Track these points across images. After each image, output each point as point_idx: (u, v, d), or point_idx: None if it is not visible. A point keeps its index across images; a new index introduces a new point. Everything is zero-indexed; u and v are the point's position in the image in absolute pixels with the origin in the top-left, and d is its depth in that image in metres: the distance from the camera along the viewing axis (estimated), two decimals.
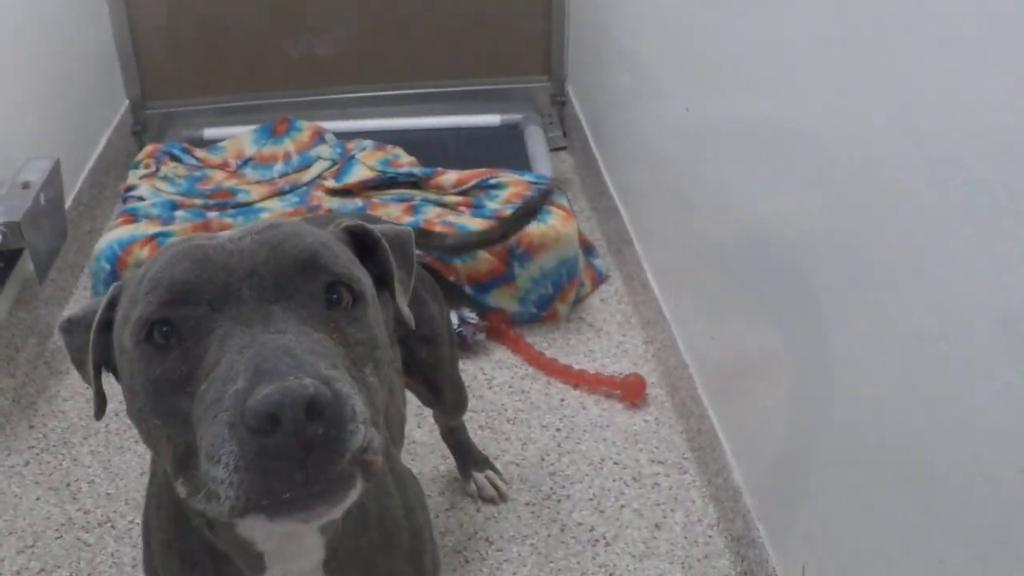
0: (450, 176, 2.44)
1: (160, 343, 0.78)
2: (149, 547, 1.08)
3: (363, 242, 0.94)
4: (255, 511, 0.70)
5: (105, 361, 0.91)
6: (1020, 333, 0.97)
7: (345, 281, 0.81)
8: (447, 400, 1.68)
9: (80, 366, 0.93)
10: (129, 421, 1.98)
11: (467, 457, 1.90)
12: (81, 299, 2.47)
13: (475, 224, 2.25)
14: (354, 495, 0.73)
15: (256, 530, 0.91)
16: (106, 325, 0.88)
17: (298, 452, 0.68)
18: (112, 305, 0.88)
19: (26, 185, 2.08)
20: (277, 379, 0.68)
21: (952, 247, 1.07)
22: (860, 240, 1.29)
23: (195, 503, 0.74)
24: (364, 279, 0.85)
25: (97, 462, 1.99)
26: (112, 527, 1.84)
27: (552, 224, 2.25)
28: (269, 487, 0.69)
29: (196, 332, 0.77)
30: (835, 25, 1.32)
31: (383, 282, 0.95)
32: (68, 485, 1.94)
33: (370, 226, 0.94)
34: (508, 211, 2.30)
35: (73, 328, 0.92)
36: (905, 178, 1.16)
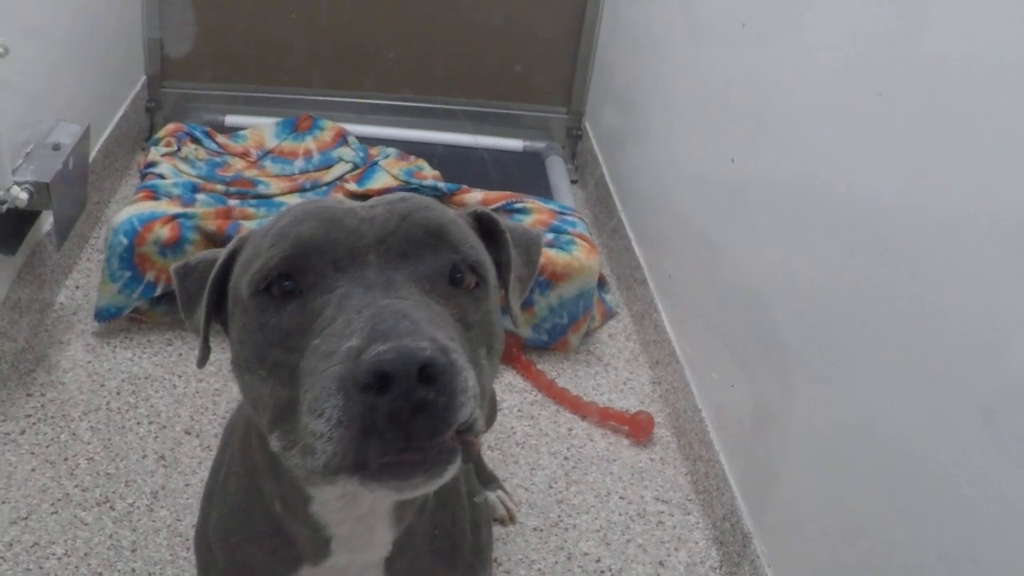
0: (475, 195, 2.43)
1: (278, 295, 0.77)
2: (207, 516, 1.07)
3: (489, 231, 0.93)
4: (349, 472, 0.69)
5: (216, 312, 0.90)
6: None
7: (471, 262, 0.81)
8: (485, 411, 1.67)
9: (190, 312, 0.93)
10: (131, 401, 1.93)
11: (479, 475, 1.89)
12: (84, 270, 2.42)
13: None
14: (451, 472, 0.71)
15: (332, 511, 0.90)
16: (223, 276, 0.88)
17: (406, 415, 0.66)
18: (232, 257, 0.88)
19: (56, 147, 2.04)
20: (395, 339, 0.67)
21: (982, 311, 1.10)
22: (887, 306, 1.35)
23: (289, 457, 0.72)
24: (489, 264, 0.85)
25: (97, 439, 1.94)
26: (111, 508, 1.80)
27: (577, 255, 2.26)
28: (369, 447, 0.67)
29: (316, 288, 0.76)
30: (908, 87, 1.35)
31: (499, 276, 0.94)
32: (66, 460, 1.89)
33: (498, 217, 0.94)
34: None
35: (189, 273, 0.93)
36: (935, 248, 1.20)
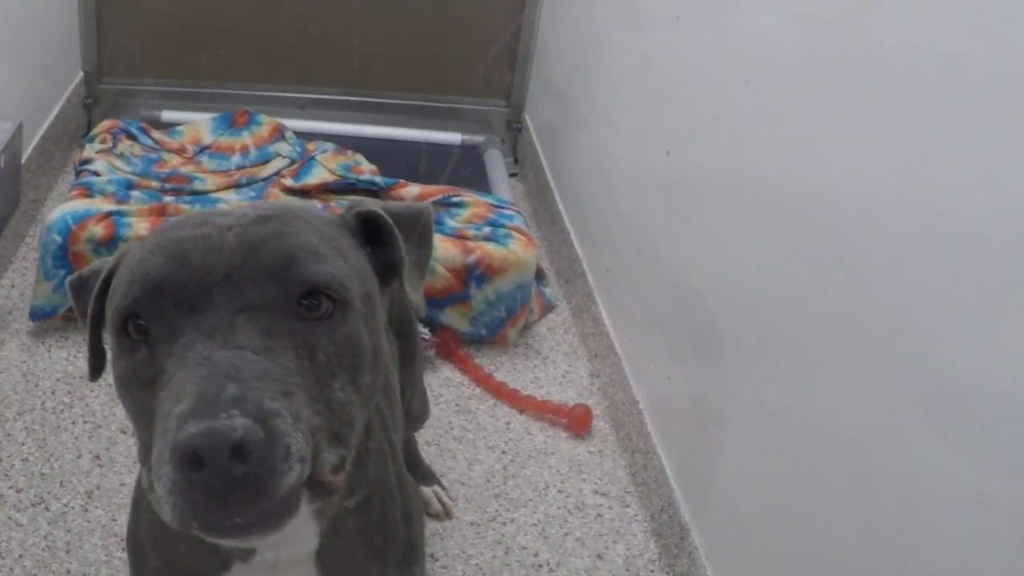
0: (412, 189, 2.44)
1: (134, 337, 0.78)
2: (137, 516, 1.07)
3: (377, 226, 0.92)
4: (194, 530, 0.71)
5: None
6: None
7: (323, 290, 0.79)
8: (414, 409, 1.68)
9: (85, 325, 0.93)
10: (66, 401, 1.93)
11: (415, 470, 1.90)
12: (20, 269, 2.40)
13: (436, 240, 2.25)
14: (293, 520, 0.73)
15: None
16: (105, 291, 0.88)
17: (224, 490, 0.68)
18: (112, 273, 0.88)
19: None
20: (210, 415, 0.68)
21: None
22: (824, 298, 1.37)
23: (150, 499, 0.74)
24: (352, 282, 0.82)
25: (32, 440, 1.93)
26: (46, 509, 1.78)
27: (513, 249, 2.27)
28: (199, 515, 0.69)
29: (163, 334, 0.77)
30: (842, 80, 1.38)
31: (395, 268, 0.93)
32: (0, 461, 1.87)
33: (383, 212, 0.92)
34: (470, 231, 2.31)
35: (83, 285, 0.93)
36: (871, 242, 1.23)
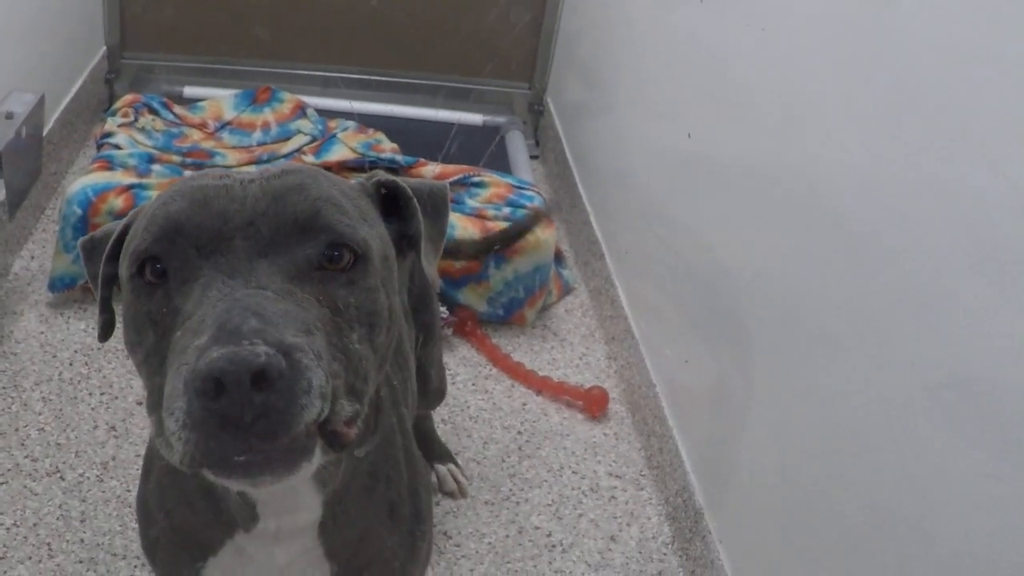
0: (432, 168, 2.43)
1: (150, 280, 0.77)
2: (147, 481, 1.07)
3: (395, 198, 0.92)
4: (204, 467, 0.70)
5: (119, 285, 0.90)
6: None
7: (346, 242, 0.79)
8: (432, 386, 1.68)
9: (96, 285, 0.93)
10: (83, 372, 1.95)
11: (431, 448, 1.90)
12: (40, 241, 2.41)
13: (455, 219, 2.25)
14: (309, 467, 0.72)
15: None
16: (118, 250, 0.88)
17: (244, 418, 0.67)
18: (126, 231, 0.87)
19: (9, 116, 2.02)
20: (234, 342, 0.66)
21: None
22: (841, 285, 1.36)
23: (158, 445, 0.73)
24: (372, 240, 0.82)
25: (48, 410, 1.94)
26: (61, 478, 1.79)
27: (533, 230, 2.26)
28: (212, 449, 0.68)
29: (181, 275, 0.76)
30: (861, 71, 1.36)
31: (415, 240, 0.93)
32: (17, 431, 1.88)
33: (402, 182, 0.92)
34: (489, 211, 2.30)
35: (95, 247, 0.93)
36: (890, 230, 1.21)
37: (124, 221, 0.89)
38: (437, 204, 0.96)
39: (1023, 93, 1.04)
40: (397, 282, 0.88)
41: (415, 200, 0.91)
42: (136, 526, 1.68)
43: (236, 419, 0.66)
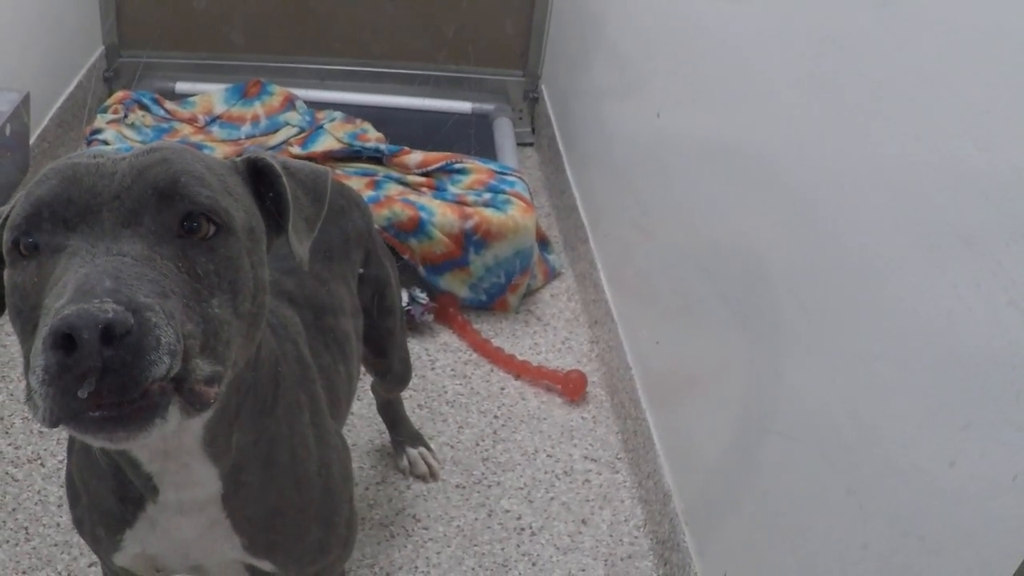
0: (415, 156, 2.45)
1: (23, 253, 0.80)
2: (70, 458, 1.10)
3: (267, 176, 0.95)
4: (63, 423, 0.72)
5: None
6: (951, 348, 1.01)
7: (204, 211, 0.82)
8: (394, 371, 1.70)
9: None
10: None
11: (401, 432, 1.92)
12: None
13: (435, 205, 2.26)
14: (164, 424, 0.74)
15: (137, 448, 0.92)
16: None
17: (93, 374, 0.69)
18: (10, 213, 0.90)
19: None
20: (87, 300, 0.70)
21: (903, 273, 1.11)
22: (810, 263, 1.33)
23: (28, 408, 0.75)
24: (235, 211, 0.85)
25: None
26: (41, 465, 1.84)
27: (511, 214, 2.27)
28: (68, 404, 0.70)
29: (51, 247, 0.79)
30: (811, 53, 1.35)
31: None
32: (2, 419, 1.93)
33: (274, 160, 0.95)
34: (470, 197, 2.32)
35: None
36: (860, 207, 1.20)
37: (11, 203, 0.91)
38: (317, 186, 0.98)
39: (965, 78, 1.03)
40: (265, 255, 0.90)
41: (284, 178, 0.93)
42: None
43: (87, 373, 0.69)
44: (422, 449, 1.91)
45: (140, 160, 0.83)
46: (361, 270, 1.50)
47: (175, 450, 0.93)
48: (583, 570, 1.76)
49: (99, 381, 0.69)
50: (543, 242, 2.52)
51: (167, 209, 0.81)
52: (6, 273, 0.83)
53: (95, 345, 0.68)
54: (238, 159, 0.94)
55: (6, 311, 0.85)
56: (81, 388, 0.69)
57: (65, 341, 0.68)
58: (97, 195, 0.80)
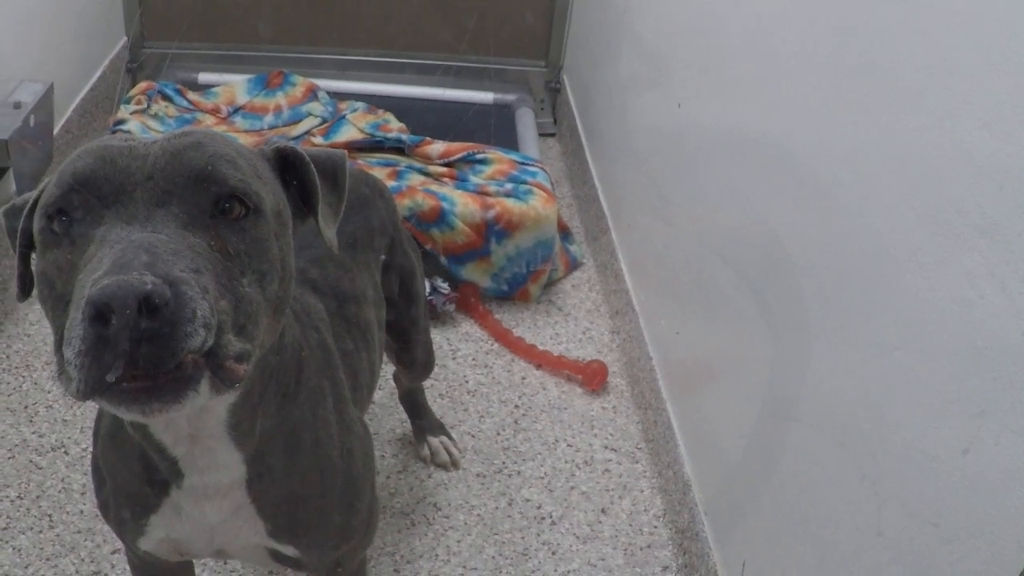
0: (437, 147, 2.45)
1: (57, 231, 0.81)
2: (96, 444, 1.12)
3: (295, 165, 0.96)
4: (97, 395, 0.73)
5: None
6: (971, 342, 1.00)
7: (238, 194, 0.83)
8: (418, 360, 1.71)
9: (14, 245, 0.97)
10: None
11: (423, 421, 1.93)
12: None
13: (457, 196, 2.27)
14: (196, 398, 0.75)
15: (163, 431, 0.94)
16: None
17: (130, 345, 0.70)
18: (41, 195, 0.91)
19: (17, 105, 2.08)
20: (124, 272, 0.70)
21: (920, 262, 1.10)
22: (829, 252, 1.33)
23: (59, 383, 0.76)
24: (265, 195, 0.87)
25: (57, 388, 1.99)
26: (65, 453, 1.85)
27: (533, 204, 2.27)
28: (102, 374, 0.71)
29: (85, 224, 0.80)
30: (830, 43, 1.35)
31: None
32: (26, 408, 1.95)
33: (300, 149, 0.96)
34: (491, 187, 2.32)
35: (16, 214, 0.96)
36: (878, 196, 1.19)
37: (41, 185, 0.93)
38: (335, 170, 1.00)
39: (982, 68, 1.02)
40: (291, 240, 0.91)
41: (312, 164, 0.95)
42: None
43: (123, 344, 0.70)
44: (443, 438, 1.92)
45: (173, 143, 0.84)
46: (385, 257, 1.51)
47: (200, 433, 0.94)
48: (602, 559, 1.76)
49: (135, 352, 0.70)
50: (565, 232, 2.52)
51: (200, 191, 0.82)
52: (38, 252, 0.84)
53: (133, 316, 0.69)
54: (266, 147, 0.95)
55: (33, 295, 0.86)
56: (117, 359, 0.70)
57: (104, 310, 0.69)
58: (131, 175, 0.81)
